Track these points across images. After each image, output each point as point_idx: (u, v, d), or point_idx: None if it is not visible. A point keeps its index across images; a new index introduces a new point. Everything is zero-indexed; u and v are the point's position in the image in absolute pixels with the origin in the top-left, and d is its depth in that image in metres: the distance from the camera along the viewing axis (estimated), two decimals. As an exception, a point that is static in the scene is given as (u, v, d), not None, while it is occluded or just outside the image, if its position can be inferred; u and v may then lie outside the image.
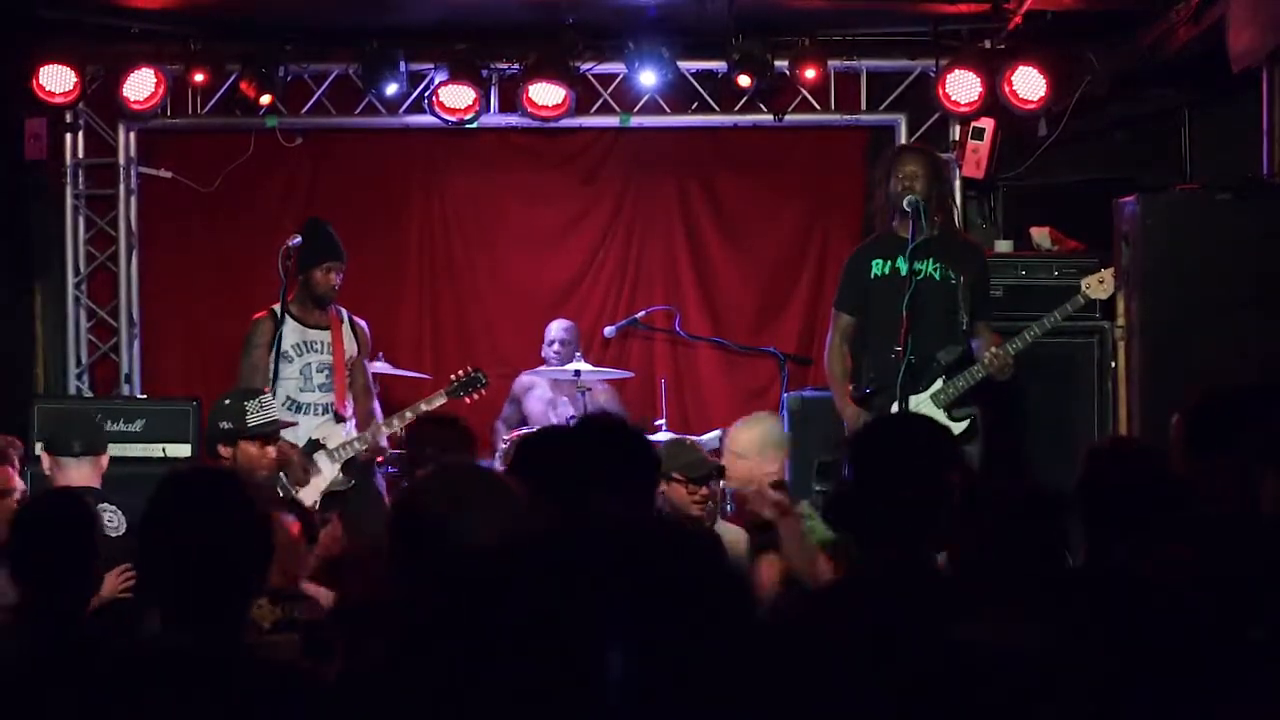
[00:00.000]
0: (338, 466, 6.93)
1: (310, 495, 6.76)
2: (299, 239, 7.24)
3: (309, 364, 7.13)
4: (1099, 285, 6.53)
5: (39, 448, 6.35)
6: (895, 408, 6.11)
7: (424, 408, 7.07)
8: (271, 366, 6.98)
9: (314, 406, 7.08)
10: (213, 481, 3.00)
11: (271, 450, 5.83)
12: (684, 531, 2.13)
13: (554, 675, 1.87)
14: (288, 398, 7.03)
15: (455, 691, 2.08)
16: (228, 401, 5.83)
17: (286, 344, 7.06)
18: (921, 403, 6.26)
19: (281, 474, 6.58)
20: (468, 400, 7.26)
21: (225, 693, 2.71)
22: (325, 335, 7.20)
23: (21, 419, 7.36)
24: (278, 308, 7.06)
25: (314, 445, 6.95)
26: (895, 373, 6.13)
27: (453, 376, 7.26)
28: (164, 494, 2.93)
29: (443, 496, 2.89)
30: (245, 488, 2.99)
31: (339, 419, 7.11)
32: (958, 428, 6.31)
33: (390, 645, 2.66)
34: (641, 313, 8.74)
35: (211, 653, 2.76)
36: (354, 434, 7.04)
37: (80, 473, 5.56)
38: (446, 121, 8.31)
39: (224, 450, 5.73)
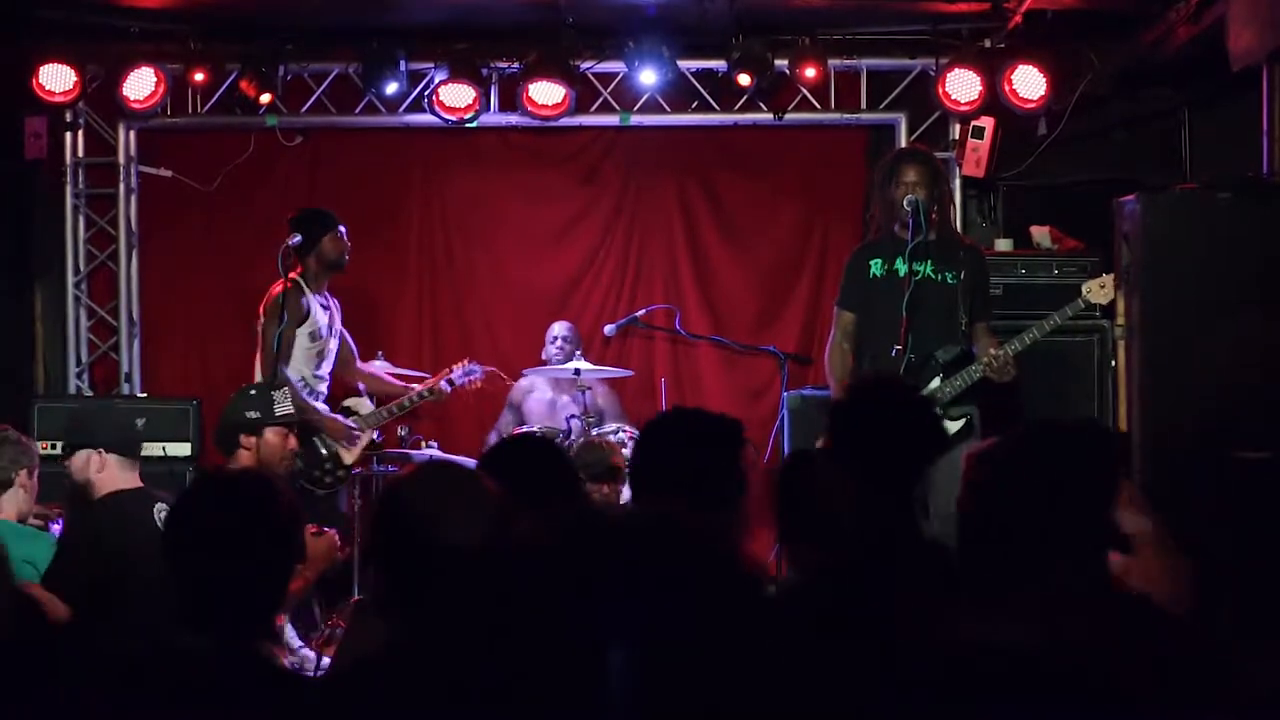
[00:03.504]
0: (371, 434, 7.55)
1: (352, 456, 7.44)
2: (298, 238, 7.41)
3: (325, 349, 7.53)
4: (1100, 290, 6.54)
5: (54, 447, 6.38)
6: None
7: (429, 396, 7.71)
8: (299, 343, 7.36)
9: (323, 395, 7.55)
10: (243, 484, 2.98)
11: (293, 440, 5.89)
12: (681, 528, 2.12)
13: (553, 675, 1.87)
14: (305, 379, 7.38)
15: (453, 689, 2.08)
16: (254, 392, 5.89)
17: (322, 324, 7.49)
18: (921, 402, 6.27)
19: (327, 440, 7.37)
20: (471, 388, 7.56)
21: (242, 698, 2.71)
22: (328, 316, 7.59)
23: (22, 419, 7.36)
24: (300, 280, 7.40)
25: (346, 413, 7.56)
26: (893, 370, 6.15)
27: (450, 370, 7.69)
28: (193, 495, 2.92)
29: (426, 495, 2.89)
30: (275, 485, 2.97)
31: (358, 393, 7.75)
32: (954, 426, 6.33)
33: (384, 643, 2.66)
34: (641, 311, 8.74)
35: (230, 657, 2.76)
36: (371, 405, 7.65)
37: (132, 474, 5.48)
38: (446, 121, 8.31)
39: (246, 440, 5.74)
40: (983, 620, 2.89)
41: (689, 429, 3.59)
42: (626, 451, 7.66)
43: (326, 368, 7.56)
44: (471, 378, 7.79)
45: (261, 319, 7.38)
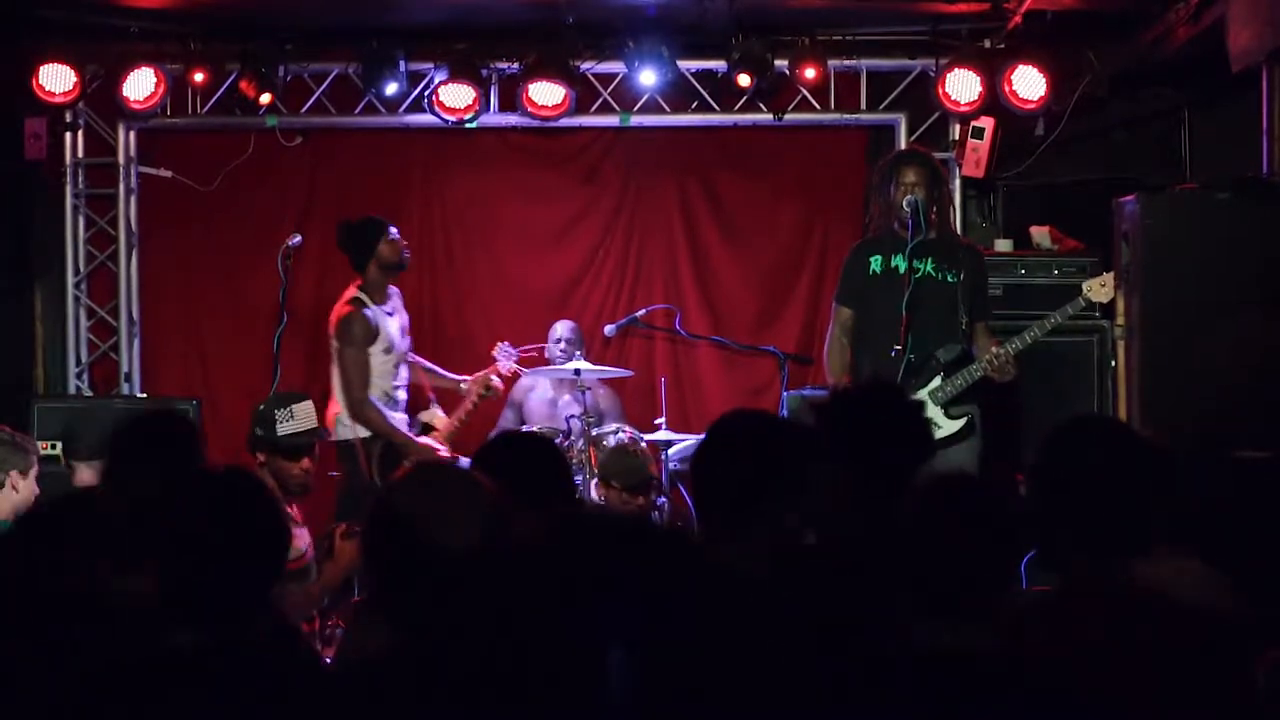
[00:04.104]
0: (448, 447, 7.28)
1: None
2: (298, 238, 7.40)
3: (401, 358, 7.30)
4: (1100, 289, 6.54)
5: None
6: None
7: (487, 394, 7.53)
8: (375, 361, 7.14)
9: (403, 404, 7.35)
10: (228, 479, 2.98)
11: (305, 463, 5.75)
12: (681, 530, 2.13)
13: (553, 675, 1.87)
14: (385, 393, 7.19)
15: (453, 689, 2.08)
16: (262, 408, 5.78)
17: (393, 337, 7.24)
18: (920, 400, 6.26)
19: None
20: (510, 373, 7.67)
21: (237, 691, 2.71)
22: (397, 321, 7.36)
23: (22, 419, 7.36)
24: (361, 295, 7.18)
25: (426, 429, 7.30)
26: (893, 370, 6.14)
27: (495, 361, 7.65)
28: (181, 493, 2.93)
29: (422, 496, 2.89)
30: (262, 486, 2.98)
31: (424, 402, 7.54)
32: (954, 426, 6.33)
33: (383, 644, 2.66)
34: (641, 312, 8.74)
35: (224, 651, 2.76)
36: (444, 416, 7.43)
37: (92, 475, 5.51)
38: (446, 121, 8.31)
39: (259, 456, 5.69)
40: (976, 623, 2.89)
41: (763, 433, 3.40)
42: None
43: (404, 376, 7.35)
44: (512, 361, 7.66)
45: (335, 343, 7.18)
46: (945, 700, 2.38)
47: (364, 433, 7.08)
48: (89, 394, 8.72)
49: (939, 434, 6.34)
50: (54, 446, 7.42)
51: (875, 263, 6.49)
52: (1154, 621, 2.98)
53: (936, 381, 6.35)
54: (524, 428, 8.15)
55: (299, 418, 5.78)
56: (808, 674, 2.14)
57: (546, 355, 8.42)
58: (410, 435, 7.20)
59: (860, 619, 2.80)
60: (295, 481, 5.72)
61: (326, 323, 7.69)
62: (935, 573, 2.94)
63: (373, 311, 7.17)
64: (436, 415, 7.46)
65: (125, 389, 8.68)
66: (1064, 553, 3.09)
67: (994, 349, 6.31)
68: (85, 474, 5.53)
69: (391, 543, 2.85)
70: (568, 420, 7.92)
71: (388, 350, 7.20)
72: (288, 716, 2.73)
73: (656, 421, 8.03)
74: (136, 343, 8.84)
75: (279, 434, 5.68)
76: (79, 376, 8.81)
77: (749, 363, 8.82)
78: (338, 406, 7.19)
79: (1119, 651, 2.90)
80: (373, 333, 7.13)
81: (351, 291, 7.23)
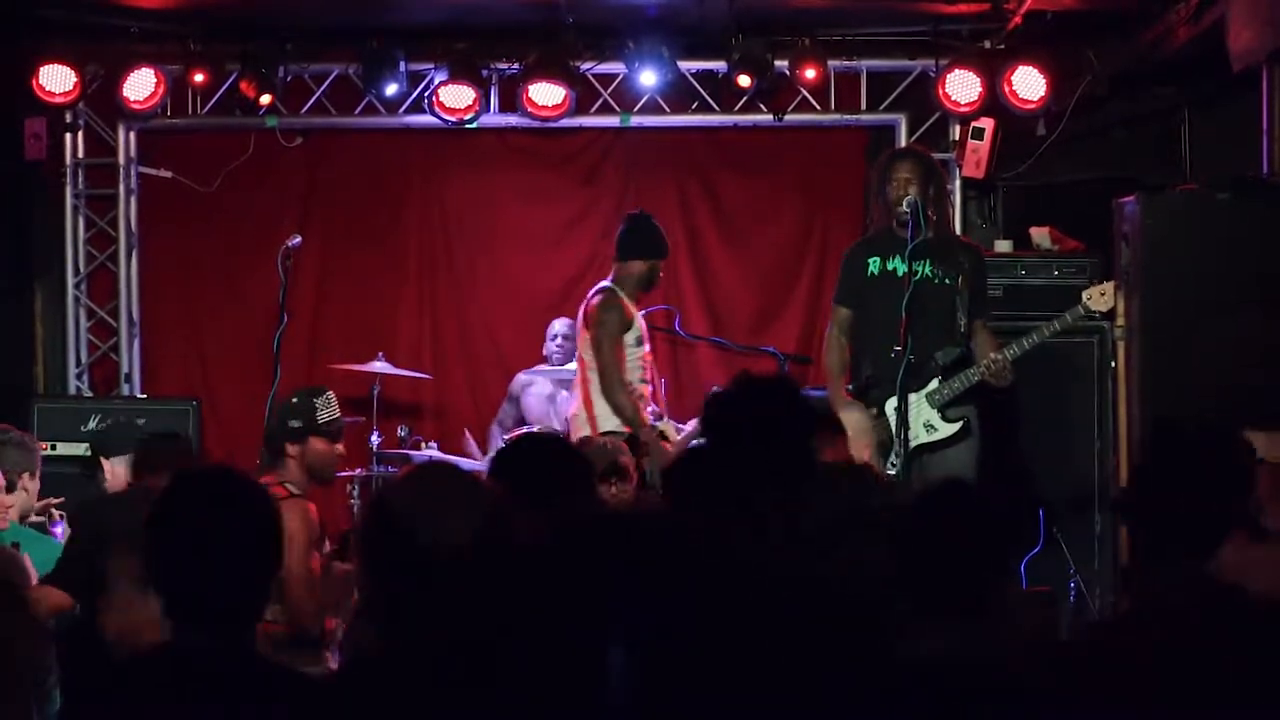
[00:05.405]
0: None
1: None
2: (298, 238, 7.39)
3: (643, 355, 7.16)
4: (1100, 297, 6.52)
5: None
6: (893, 404, 6.12)
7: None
8: (628, 352, 7.01)
9: (642, 398, 7.15)
10: (222, 480, 2.98)
11: (340, 448, 5.76)
12: (682, 524, 2.12)
13: (552, 675, 1.86)
14: (631, 386, 7.06)
15: (449, 690, 2.08)
16: (295, 400, 5.72)
17: (642, 328, 7.14)
18: (918, 402, 6.27)
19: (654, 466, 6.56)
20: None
21: (238, 695, 2.71)
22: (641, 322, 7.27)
23: (22, 419, 7.36)
24: (613, 286, 7.08)
25: (661, 437, 7.05)
26: (893, 370, 6.14)
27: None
28: (174, 493, 2.92)
29: (416, 496, 2.88)
30: (259, 485, 2.98)
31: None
32: (952, 428, 6.33)
33: (382, 646, 2.66)
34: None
35: (224, 655, 2.75)
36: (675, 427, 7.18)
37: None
38: (446, 121, 8.31)
39: (292, 449, 5.67)
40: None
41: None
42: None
43: (643, 372, 7.18)
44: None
45: (589, 331, 7.04)
46: (945, 703, 2.39)
47: (609, 426, 6.90)
48: (89, 394, 8.72)
49: (936, 436, 6.36)
50: (53, 447, 7.44)
51: (873, 264, 6.49)
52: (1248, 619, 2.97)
53: (934, 384, 6.35)
54: (524, 427, 8.15)
55: (333, 405, 5.76)
56: (810, 675, 2.14)
57: (545, 352, 8.43)
58: (654, 431, 6.95)
59: (862, 621, 2.80)
60: (332, 468, 5.72)
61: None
62: (934, 576, 2.94)
63: (627, 302, 7.09)
64: (671, 426, 7.21)
65: (125, 389, 8.68)
66: (1162, 552, 3.09)
67: (993, 354, 6.31)
68: (120, 470, 5.53)
69: (387, 543, 2.85)
70: (567, 420, 7.92)
71: (638, 342, 7.10)
72: (287, 716, 2.73)
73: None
74: (136, 343, 8.84)
75: (320, 420, 5.66)
76: (79, 376, 8.81)
77: (749, 363, 8.79)
78: (575, 406, 7.12)
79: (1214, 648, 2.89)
80: (628, 321, 7.05)
81: (604, 282, 7.15)
